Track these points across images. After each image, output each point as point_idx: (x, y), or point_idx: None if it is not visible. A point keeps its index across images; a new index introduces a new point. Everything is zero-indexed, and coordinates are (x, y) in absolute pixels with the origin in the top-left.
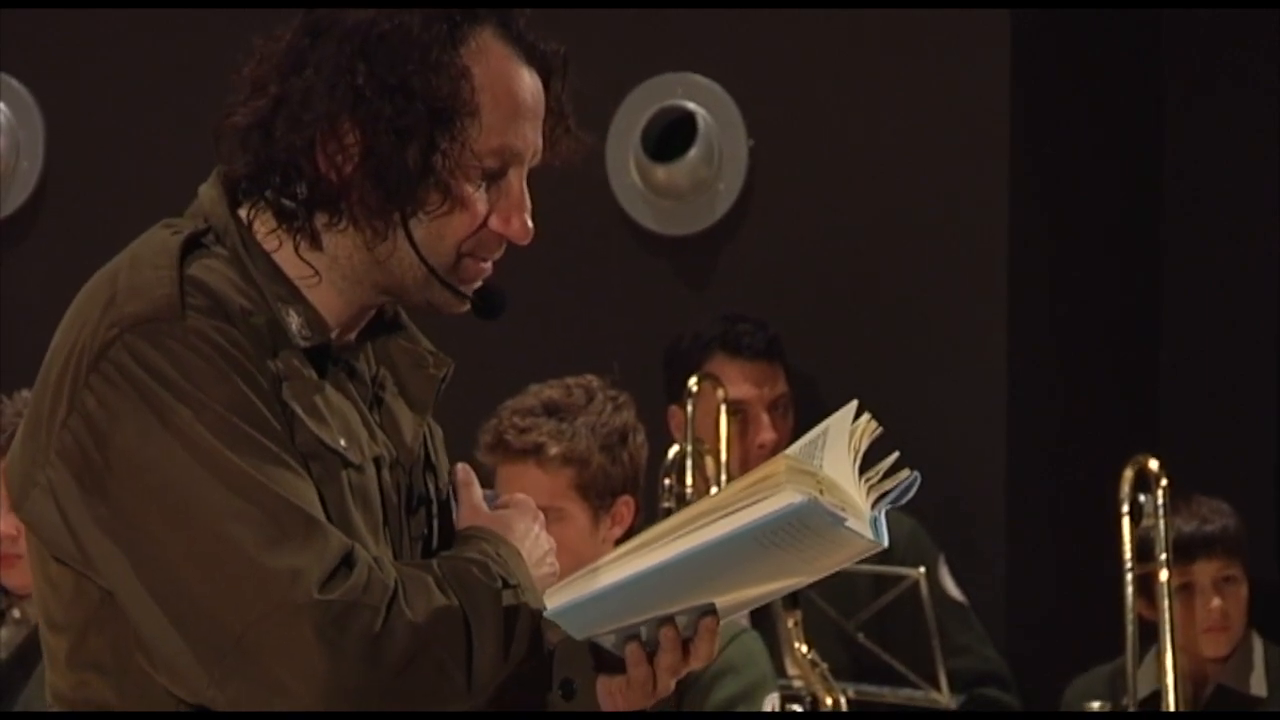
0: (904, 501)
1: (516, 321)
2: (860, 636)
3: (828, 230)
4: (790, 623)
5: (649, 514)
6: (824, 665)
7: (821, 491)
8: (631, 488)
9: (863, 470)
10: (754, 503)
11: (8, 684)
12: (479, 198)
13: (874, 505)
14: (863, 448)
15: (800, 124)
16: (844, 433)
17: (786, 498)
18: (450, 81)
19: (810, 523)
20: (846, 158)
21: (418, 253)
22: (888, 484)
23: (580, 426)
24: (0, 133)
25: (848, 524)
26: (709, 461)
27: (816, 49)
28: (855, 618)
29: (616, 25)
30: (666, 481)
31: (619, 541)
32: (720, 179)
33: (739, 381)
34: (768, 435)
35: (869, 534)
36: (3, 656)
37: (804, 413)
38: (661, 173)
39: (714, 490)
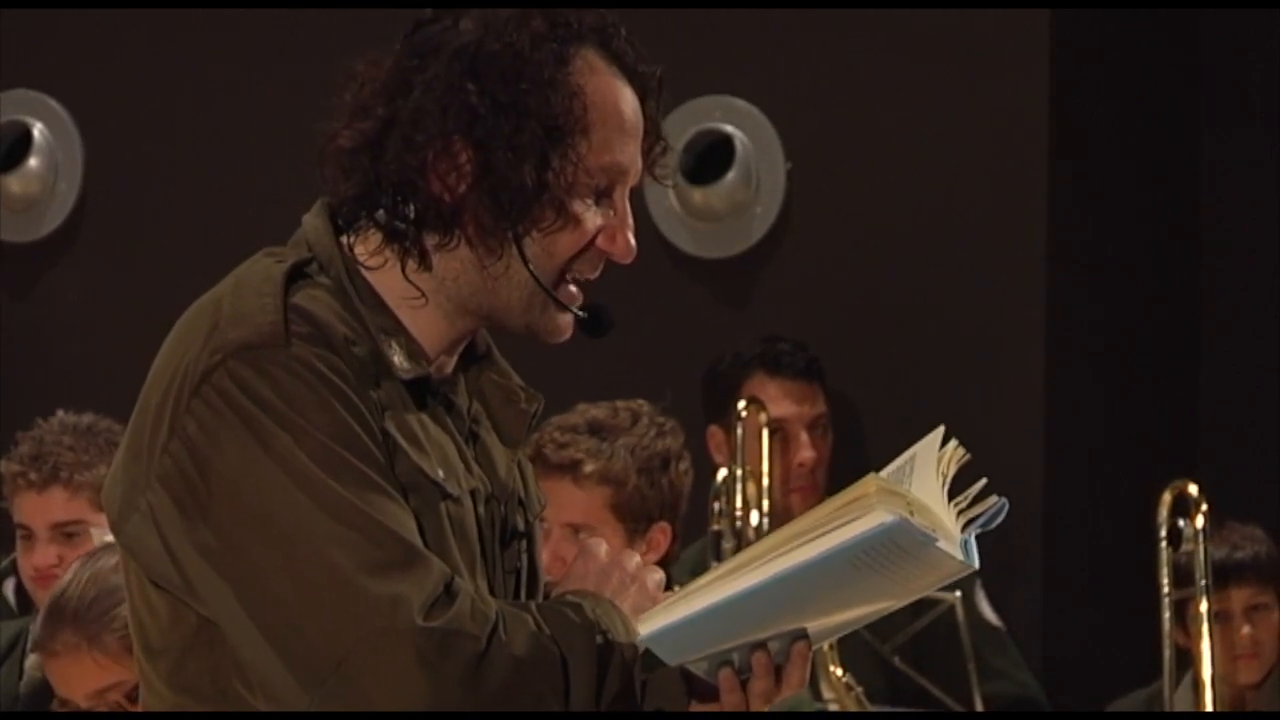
0: (993, 526)
1: (552, 345)
2: (896, 660)
3: (865, 253)
4: (826, 645)
5: (692, 538)
6: (859, 688)
7: (912, 513)
8: (670, 515)
9: (951, 496)
10: (845, 524)
11: (47, 704)
12: (589, 215)
13: (963, 529)
14: (951, 474)
15: (837, 147)
16: (931, 458)
17: (878, 518)
18: (564, 99)
19: (902, 543)
20: (883, 180)
21: (529, 270)
22: (977, 509)
23: (619, 447)
24: (38, 154)
25: (939, 544)
26: (750, 485)
27: (853, 72)
28: (891, 641)
29: (654, 48)
30: (715, 505)
31: (660, 561)
32: (758, 202)
33: (779, 400)
34: (807, 454)
35: (960, 555)
36: (40, 676)
37: (842, 434)
38: (699, 196)
39: (754, 513)
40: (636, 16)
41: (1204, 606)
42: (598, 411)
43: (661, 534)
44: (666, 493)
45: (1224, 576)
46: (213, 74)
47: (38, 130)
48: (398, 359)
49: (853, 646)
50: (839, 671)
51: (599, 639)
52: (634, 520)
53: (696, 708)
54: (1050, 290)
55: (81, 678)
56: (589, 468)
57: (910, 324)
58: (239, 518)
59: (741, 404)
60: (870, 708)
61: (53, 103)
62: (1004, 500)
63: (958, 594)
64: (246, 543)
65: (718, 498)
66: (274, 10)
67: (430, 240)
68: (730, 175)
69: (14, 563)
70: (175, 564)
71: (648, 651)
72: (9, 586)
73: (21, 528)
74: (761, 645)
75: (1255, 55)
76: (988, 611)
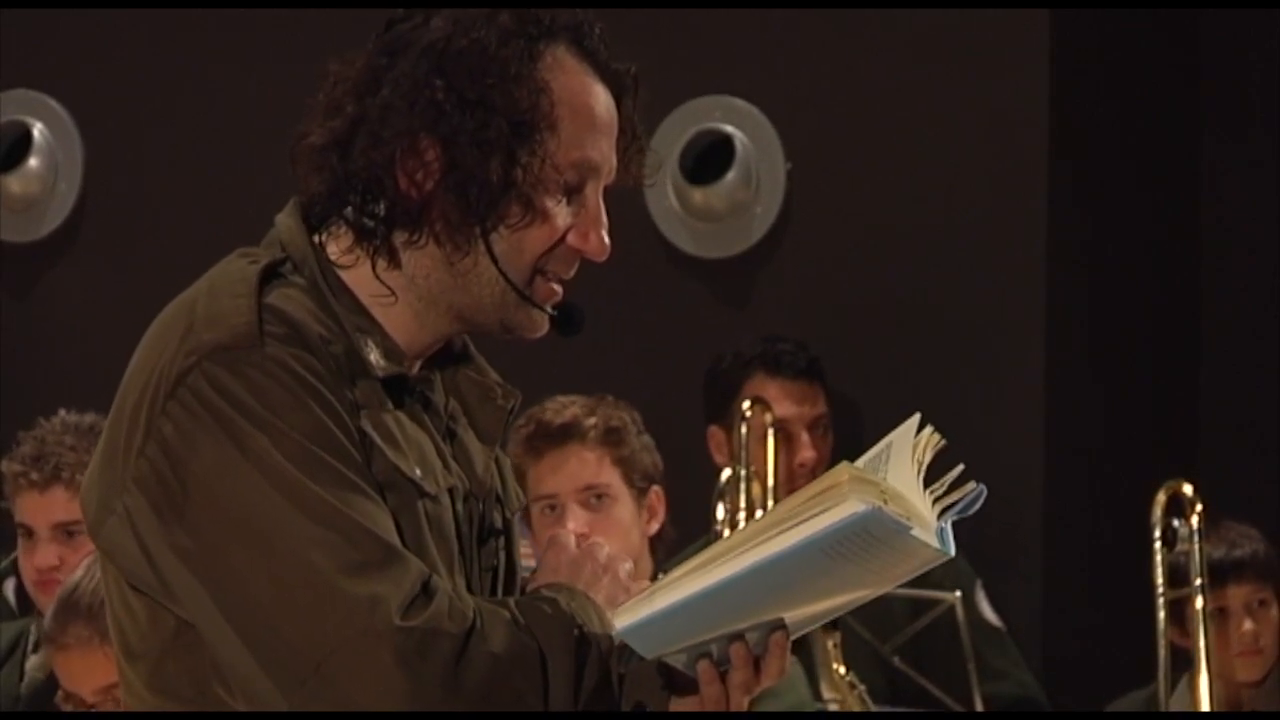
0: (970, 513)
1: (551, 344)
2: (896, 660)
3: (865, 253)
4: (829, 644)
5: (694, 538)
6: (862, 687)
7: (886, 501)
8: (659, 478)
9: (928, 484)
10: (818, 514)
11: (47, 705)
12: (559, 211)
13: (939, 516)
14: (926, 460)
15: (837, 147)
16: (907, 446)
17: (851, 507)
18: (530, 95)
19: (876, 532)
20: (883, 180)
21: (498, 267)
22: (953, 496)
23: (607, 407)
24: (38, 154)
25: (913, 532)
26: (754, 485)
27: (853, 72)
28: (891, 641)
29: (654, 48)
30: (719, 505)
31: (653, 540)
32: (758, 202)
33: (780, 400)
34: (808, 454)
35: (935, 543)
36: (40, 678)
37: (842, 434)
38: (699, 196)
39: (759, 512)
40: (636, 16)
41: (1200, 606)
42: (564, 397)
43: (657, 498)
44: (653, 455)
45: (1223, 575)
46: (213, 74)
47: (38, 130)
48: (374, 357)
49: (853, 646)
50: (841, 670)
51: (575, 632)
52: (637, 477)
53: (677, 704)
54: (1050, 290)
55: (91, 672)
56: (591, 421)
57: (910, 324)
58: (215, 520)
59: (746, 404)
60: (872, 707)
61: (53, 103)
62: (981, 487)
63: (958, 594)
64: (223, 545)
65: (721, 498)
66: (274, 10)
67: (399, 238)
68: (730, 175)
69: (14, 563)
70: (152, 567)
71: (625, 644)
72: (9, 586)
73: (22, 528)
74: (739, 636)
75: (1255, 55)
76: (988, 611)
